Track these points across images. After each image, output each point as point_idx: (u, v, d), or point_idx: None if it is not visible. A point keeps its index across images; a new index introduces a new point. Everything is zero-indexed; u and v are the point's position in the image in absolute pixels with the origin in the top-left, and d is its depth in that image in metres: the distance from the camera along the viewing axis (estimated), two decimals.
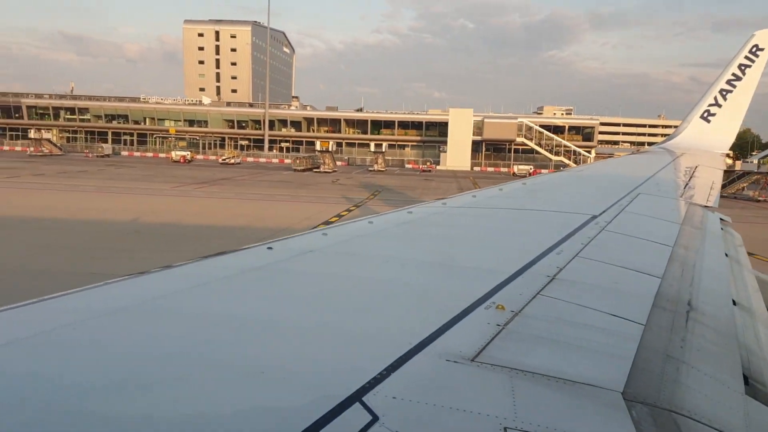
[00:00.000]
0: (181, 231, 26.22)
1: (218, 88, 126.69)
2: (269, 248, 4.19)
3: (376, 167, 76.81)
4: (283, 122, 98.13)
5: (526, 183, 10.16)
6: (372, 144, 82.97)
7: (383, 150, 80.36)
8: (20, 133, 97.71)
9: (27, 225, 25.86)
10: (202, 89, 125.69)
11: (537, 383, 2.28)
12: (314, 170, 71.56)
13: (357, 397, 1.99)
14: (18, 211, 29.37)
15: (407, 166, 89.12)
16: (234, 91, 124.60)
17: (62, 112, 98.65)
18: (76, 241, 23.14)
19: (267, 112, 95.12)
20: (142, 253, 20.74)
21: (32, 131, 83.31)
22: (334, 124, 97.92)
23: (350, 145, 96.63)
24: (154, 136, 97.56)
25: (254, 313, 2.90)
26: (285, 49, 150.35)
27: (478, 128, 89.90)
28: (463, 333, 2.67)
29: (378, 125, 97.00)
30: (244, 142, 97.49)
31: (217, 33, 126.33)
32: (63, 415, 1.82)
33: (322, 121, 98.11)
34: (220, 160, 78.77)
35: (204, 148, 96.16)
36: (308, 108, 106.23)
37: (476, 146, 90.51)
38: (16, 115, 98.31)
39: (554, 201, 8.13)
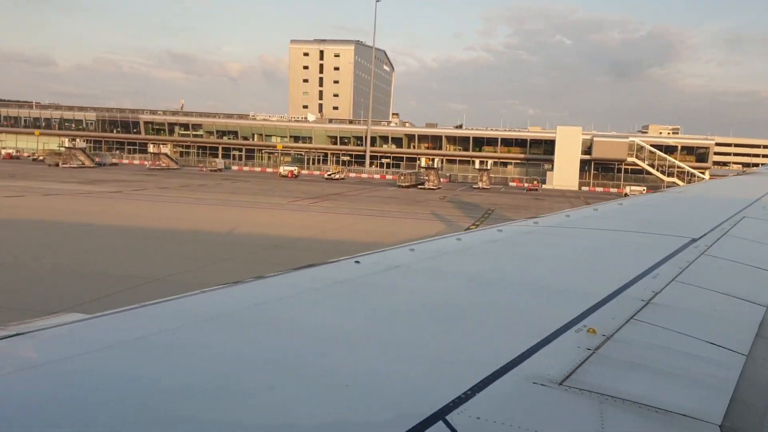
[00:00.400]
0: (318, 246, 26.29)
1: (320, 105, 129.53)
2: (357, 262, 4.23)
3: (480, 185, 75.62)
4: (384, 138, 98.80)
5: (623, 203, 9.82)
6: (477, 161, 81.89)
7: (488, 167, 79.09)
8: (137, 147, 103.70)
9: (179, 238, 26.70)
10: (305, 106, 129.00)
11: (628, 411, 2.19)
12: (419, 187, 71.28)
13: (440, 415, 1.97)
14: (163, 223, 30.50)
15: (511, 184, 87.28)
16: (335, 108, 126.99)
17: (176, 128, 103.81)
18: (229, 254, 23.59)
19: (369, 129, 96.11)
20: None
21: (151, 146, 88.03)
22: (435, 140, 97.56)
23: (451, 161, 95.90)
24: (263, 151, 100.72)
25: (341, 326, 2.92)
26: (385, 67, 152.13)
27: (587, 147, 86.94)
28: (551, 356, 2.58)
29: (480, 142, 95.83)
30: (345, 158, 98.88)
31: (321, 52, 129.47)
32: (158, 417, 1.91)
33: (423, 138, 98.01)
34: (325, 176, 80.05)
35: (308, 163, 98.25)
36: (407, 124, 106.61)
37: (583, 165, 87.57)
38: (134, 130, 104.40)
39: (651, 222, 7.90)
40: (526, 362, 2.49)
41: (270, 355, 2.50)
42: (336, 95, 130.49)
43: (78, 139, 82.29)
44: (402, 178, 72.10)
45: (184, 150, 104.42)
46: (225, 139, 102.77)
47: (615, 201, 10.05)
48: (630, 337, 2.98)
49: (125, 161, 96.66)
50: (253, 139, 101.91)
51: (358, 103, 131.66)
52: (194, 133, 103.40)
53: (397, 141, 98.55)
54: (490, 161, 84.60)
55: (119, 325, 2.82)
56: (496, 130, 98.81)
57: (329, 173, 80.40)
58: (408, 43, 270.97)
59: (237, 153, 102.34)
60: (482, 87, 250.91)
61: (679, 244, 5.67)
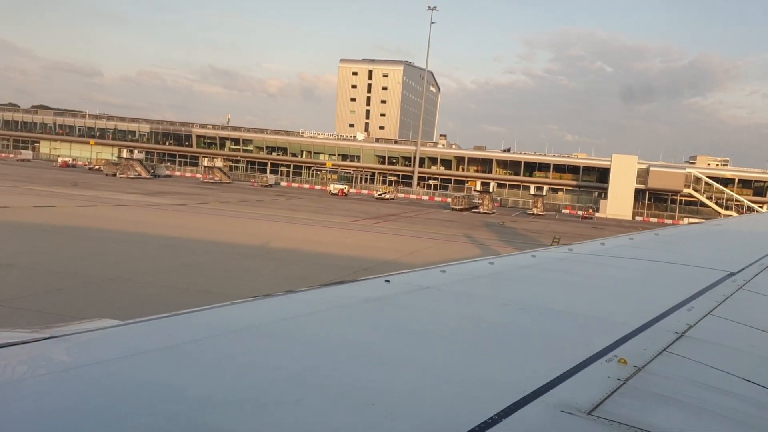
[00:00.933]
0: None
1: (367, 124, 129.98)
2: (387, 281, 4.21)
3: (535, 211, 74.50)
4: (433, 160, 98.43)
5: (659, 233, 9.70)
6: (532, 187, 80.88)
7: (544, 193, 78.00)
8: (188, 160, 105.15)
9: (274, 256, 26.38)
10: (351, 125, 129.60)
11: None
12: (473, 210, 70.50)
13: None
14: (244, 239, 30.32)
15: (564, 211, 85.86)
16: (381, 127, 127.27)
17: (227, 142, 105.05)
18: (331, 276, 23.20)
19: (418, 150, 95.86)
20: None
21: (206, 159, 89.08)
22: (484, 163, 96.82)
23: (500, 186, 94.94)
24: (312, 168, 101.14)
25: (369, 344, 2.91)
26: (432, 88, 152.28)
27: (641, 176, 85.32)
28: (580, 384, 2.55)
29: (530, 167, 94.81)
30: (392, 178, 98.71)
31: (370, 72, 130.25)
32: (184, 426, 1.91)
33: (472, 161, 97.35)
34: (375, 195, 79.78)
35: (355, 182, 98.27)
36: (454, 146, 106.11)
37: (635, 195, 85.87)
38: (186, 143, 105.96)
39: (688, 254, 7.83)
40: (555, 390, 2.43)
41: (297, 369, 2.48)
42: (383, 115, 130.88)
43: (136, 150, 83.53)
44: (456, 201, 71.42)
45: (233, 164, 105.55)
46: (273, 155, 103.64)
47: (651, 231, 9.89)
48: (662, 369, 2.90)
49: (177, 173, 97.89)
50: (301, 156, 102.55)
51: (404, 123, 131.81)
52: (244, 148, 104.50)
53: (446, 163, 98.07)
54: (547, 187, 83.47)
55: (150, 333, 2.83)
56: (546, 155, 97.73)
57: (379, 193, 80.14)
58: (447, 64, 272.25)
59: (285, 169, 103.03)
60: (521, 111, 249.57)
61: (716, 278, 5.56)
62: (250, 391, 2.20)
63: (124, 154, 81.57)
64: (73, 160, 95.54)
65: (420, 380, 2.51)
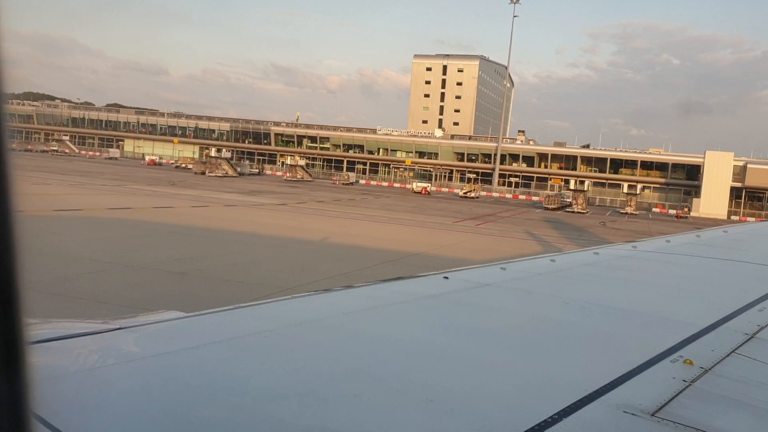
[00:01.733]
0: None
1: (440, 120, 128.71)
2: (445, 277, 4.18)
3: (628, 210, 71.70)
4: (514, 156, 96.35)
5: (728, 231, 9.37)
6: (624, 184, 78.09)
7: (637, 192, 75.12)
8: (266, 158, 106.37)
9: (420, 262, 25.78)
10: (425, 121, 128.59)
11: None
12: (566, 210, 68.41)
13: None
14: (372, 242, 29.78)
15: (654, 210, 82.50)
16: (456, 123, 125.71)
17: (304, 140, 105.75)
18: None
19: (500, 146, 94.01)
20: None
21: (289, 158, 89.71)
22: (568, 160, 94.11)
23: (582, 183, 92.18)
24: (391, 166, 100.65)
25: (426, 341, 2.91)
26: (506, 83, 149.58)
27: (738, 174, 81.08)
28: (644, 385, 2.50)
29: (616, 164, 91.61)
30: (471, 175, 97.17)
31: (444, 67, 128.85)
32: (245, 416, 1.97)
33: (555, 157, 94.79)
34: (460, 194, 78.47)
35: (434, 179, 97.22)
36: (532, 142, 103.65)
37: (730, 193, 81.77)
38: (265, 141, 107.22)
39: (759, 253, 7.60)
40: (617, 390, 2.38)
41: (356, 364, 2.50)
42: (457, 110, 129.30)
43: (223, 149, 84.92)
44: (549, 200, 69.46)
45: (309, 162, 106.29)
46: (350, 152, 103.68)
47: (719, 228, 9.58)
48: (730, 371, 2.80)
49: (268, 172, 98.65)
50: (378, 154, 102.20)
51: (478, 119, 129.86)
52: (321, 146, 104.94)
53: (527, 160, 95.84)
54: (639, 185, 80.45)
55: (214, 325, 2.88)
56: (632, 151, 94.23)
57: (464, 191, 78.71)
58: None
59: (361, 167, 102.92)
60: (584, 105, 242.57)
61: None
62: (311, 384, 2.22)
63: (212, 152, 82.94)
64: (160, 158, 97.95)
65: (479, 377, 2.47)
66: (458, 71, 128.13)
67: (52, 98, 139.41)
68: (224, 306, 3.10)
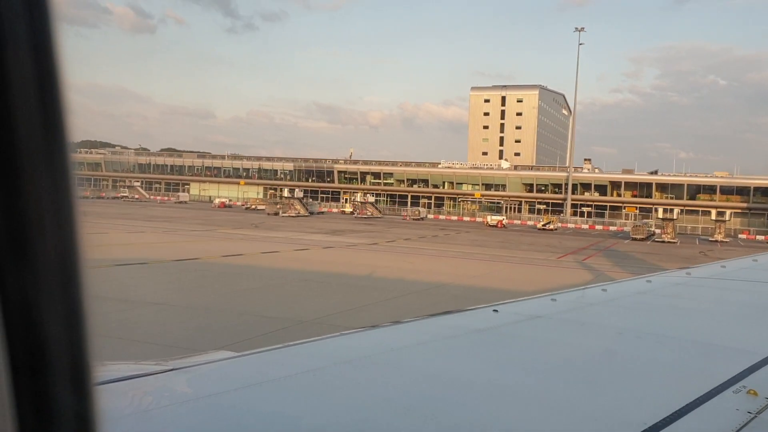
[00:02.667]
0: None
1: (501, 151, 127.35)
2: (495, 311, 4.10)
3: (718, 237, 68.43)
4: (585, 185, 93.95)
5: None
6: (713, 211, 74.85)
7: (725, 218, 71.84)
8: (330, 196, 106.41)
9: None
10: (485, 153, 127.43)
11: None
12: (654, 240, 65.69)
13: None
14: (503, 284, 28.39)
15: (741, 236, 78.74)
16: (517, 154, 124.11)
17: (367, 176, 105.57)
18: None
19: (570, 176, 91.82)
20: None
21: (359, 195, 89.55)
22: (642, 188, 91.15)
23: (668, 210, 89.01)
24: (458, 199, 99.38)
25: (479, 375, 2.86)
26: (564, 111, 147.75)
27: None
28: (707, 418, 2.42)
29: (693, 189, 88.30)
30: (540, 206, 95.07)
31: (503, 98, 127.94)
32: None
33: (629, 185, 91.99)
34: (539, 226, 76.40)
35: (504, 211, 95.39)
36: (597, 170, 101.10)
37: None
38: (328, 179, 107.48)
39: None
40: (678, 423, 2.30)
41: (406, 401, 2.47)
42: (518, 141, 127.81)
43: (297, 189, 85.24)
44: (636, 230, 66.84)
45: (375, 198, 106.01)
46: (415, 187, 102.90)
47: None
48: None
49: (324, 210, 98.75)
50: (443, 187, 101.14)
51: (540, 149, 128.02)
52: (385, 181, 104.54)
53: (599, 188, 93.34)
54: (730, 212, 77.12)
55: (264, 364, 2.90)
56: (712, 176, 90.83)
57: (543, 223, 76.61)
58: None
59: (426, 201, 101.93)
60: (630, 130, 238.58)
61: None
62: (362, 422, 2.21)
63: (284, 192, 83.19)
64: (229, 200, 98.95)
65: (533, 413, 2.42)
66: (517, 101, 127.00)
67: (111, 145, 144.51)
68: (275, 345, 3.09)
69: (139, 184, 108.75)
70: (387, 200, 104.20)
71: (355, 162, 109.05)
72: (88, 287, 0.75)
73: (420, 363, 3.02)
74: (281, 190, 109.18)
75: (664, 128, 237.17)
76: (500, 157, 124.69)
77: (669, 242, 63.51)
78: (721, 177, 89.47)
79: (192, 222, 60.58)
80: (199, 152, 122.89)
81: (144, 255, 30.61)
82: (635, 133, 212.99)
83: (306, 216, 78.73)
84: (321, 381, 2.63)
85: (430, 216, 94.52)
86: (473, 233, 64.35)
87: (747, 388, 2.72)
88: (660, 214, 69.80)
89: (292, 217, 75.88)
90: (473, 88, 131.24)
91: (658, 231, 69.00)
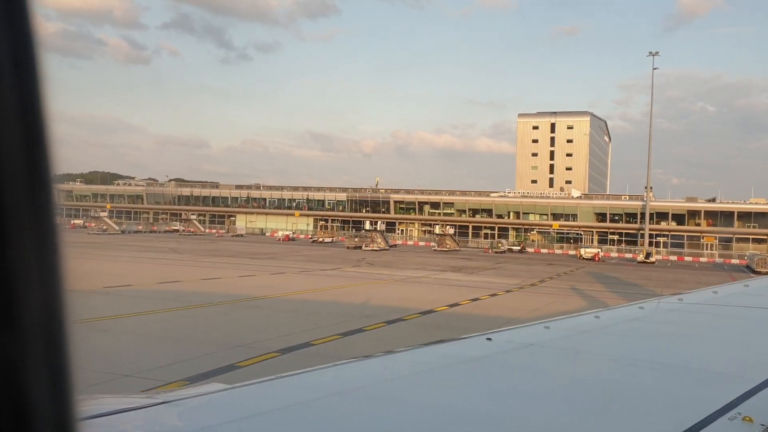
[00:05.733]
0: None
1: (551, 179, 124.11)
2: (488, 339, 4.11)
3: None
4: (662, 215, 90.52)
5: None
6: None
7: None
8: (385, 227, 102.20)
9: None
10: (534, 181, 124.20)
11: None
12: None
13: None
14: None
15: None
16: (568, 182, 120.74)
17: (425, 206, 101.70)
18: None
19: (648, 204, 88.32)
20: None
21: (438, 227, 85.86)
22: (726, 217, 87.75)
23: (743, 240, 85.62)
24: (535, 230, 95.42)
25: (473, 406, 2.85)
26: (606, 138, 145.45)
27: None
28: None
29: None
30: (613, 236, 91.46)
31: (552, 125, 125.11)
32: None
33: (709, 214, 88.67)
34: (639, 258, 72.42)
35: (581, 242, 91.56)
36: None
37: None
38: (383, 209, 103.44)
39: None
40: None
41: None
42: (569, 168, 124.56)
43: (379, 222, 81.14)
44: (758, 262, 63.03)
45: (429, 228, 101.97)
46: (477, 217, 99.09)
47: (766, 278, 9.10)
48: None
49: (399, 242, 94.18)
50: (508, 218, 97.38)
51: (590, 177, 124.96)
52: (444, 211, 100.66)
53: (677, 217, 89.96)
54: None
55: (256, 396, 2.90)
56: None
57: (643, 256, 72.62)
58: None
59: (489, 231, 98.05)
60: (622, 156, 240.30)
61: None
62: None
63: (368, 226, 79.07)
64: (293, 233, 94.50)
65: None
66: (568, 128, 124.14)
67: (120, 176, 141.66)
68: (268, 377, 3.07)
69: (195, 217, 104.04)
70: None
71: (412, 192, 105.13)
72: (74, 345, 0.73)
73: (414, 394, 2.97)
74: (331, 221, 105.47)
75: (655, 155, 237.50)
76: (550, 186, 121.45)
77: None
78: None
79: (291, 258, 56.21)
80: (254, 184, 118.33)
81: (336, 308, 26.09)
82: (627, 160, 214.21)
83: (387, 249, 74.47)
84: (314, 413, 2.59)
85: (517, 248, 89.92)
86: (588, 268, 60.37)
87: (742, 415, 2.68)
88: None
89: (376, 251, 71.50)
90: (520, 115, 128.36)
91: None
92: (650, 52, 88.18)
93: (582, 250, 75.27)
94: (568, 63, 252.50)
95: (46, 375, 0.71)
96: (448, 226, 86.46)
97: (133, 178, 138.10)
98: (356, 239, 76.45)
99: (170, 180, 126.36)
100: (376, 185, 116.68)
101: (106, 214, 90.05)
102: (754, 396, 3.00)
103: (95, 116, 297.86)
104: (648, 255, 71.89)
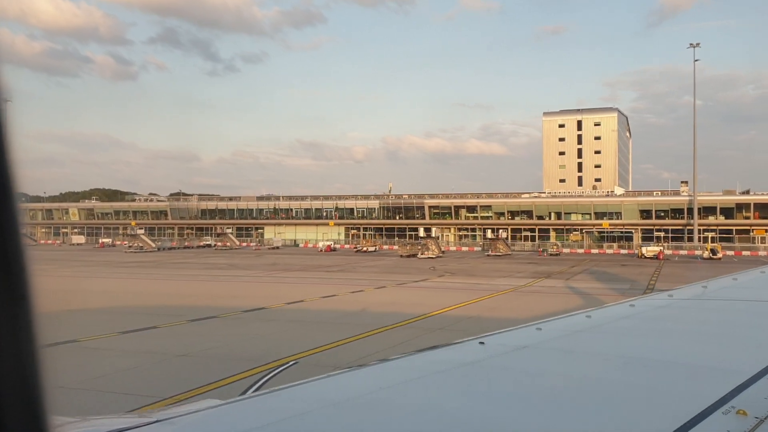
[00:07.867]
0: None
1: (580, 177, 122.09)
2: (481, 343, 4.11)
3: None
4: (708, 209, 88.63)
5: (765, 272, 8.85)
6: None
7: None
8: (415, 233, 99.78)
9: None
10: (562, 180, 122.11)
11: None
12: None
13: None
14: None
15: None
16: (598, 179, 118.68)
17: (461, 210, 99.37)
18: None
19: (696, 199, 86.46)
20: None
21: (489, 232, 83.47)
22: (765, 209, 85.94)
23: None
24: (584, 230, 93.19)
25: (468, 411, 2.84)
26: (627, 134, 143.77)
27: None
28: None
29: None
30: (659, 234, 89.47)
31: (579, 122, 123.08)
32: None
33: (760, 206, 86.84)
34: (704, 255, 70.35)
35: (623, 240, 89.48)
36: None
37: None
38: (417, 215, 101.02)
39: None
40: None
41: None
42: (597, 166, 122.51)
43: (434, 229, 78.59)
44: None
45: (468, 233, 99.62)
46: (517, 219, 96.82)
47: (756, 270, 9.16)
48: None
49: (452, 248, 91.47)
50: (549, 218, 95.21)
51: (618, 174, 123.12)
52: (482, 214, 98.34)
53: (725, 211, 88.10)
54: None
55: (250, 411, 2.91)
56: None
57: (708, 252, 70.63)
58: (530, 113, 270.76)
59: (529, 234, 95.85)
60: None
61: None
62: None
63: (419, 232, 76.50)
64: (334, 243, 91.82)
65: None
66: (595, 125, 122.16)
67: (126, 192, 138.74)
68: (261, 391, 3.01)
69: (230, 230, 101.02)
70: (483, 233, 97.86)
71: (448, 195, 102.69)
72: (50, 388, 0.67)
73: (409, 401, 2.97)
74: (363, 229, 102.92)
75: (644, 150, 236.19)
76: (579, 185, 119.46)
77: None
78: None
79: (360, 270, 53.60)
80: (274, 195, 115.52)
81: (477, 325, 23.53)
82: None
83: (441, 256, 71.98)
84: (308, 425, 2.58)
85: (565, 250, 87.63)
86: (664, 268, 58.16)
87: (736, 408, 2.68)
88: None
89: (432, 258, 69.01)
90: (545, 114, 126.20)
91: None
92: (691, 44, 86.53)
93: (644, 249, 73.08)
94: (554, 62, 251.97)
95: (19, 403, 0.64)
96: (500, 230, 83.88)
97: (135, 193, 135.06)
98: (408, 247, 73.89)
99: (171, 195, 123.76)
100: (389, 191, 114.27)
101: (143, 231, 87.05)
102: (747, 389, 2.98)
103: (84, 134, 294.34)
104: (713, 251, 69.74)
